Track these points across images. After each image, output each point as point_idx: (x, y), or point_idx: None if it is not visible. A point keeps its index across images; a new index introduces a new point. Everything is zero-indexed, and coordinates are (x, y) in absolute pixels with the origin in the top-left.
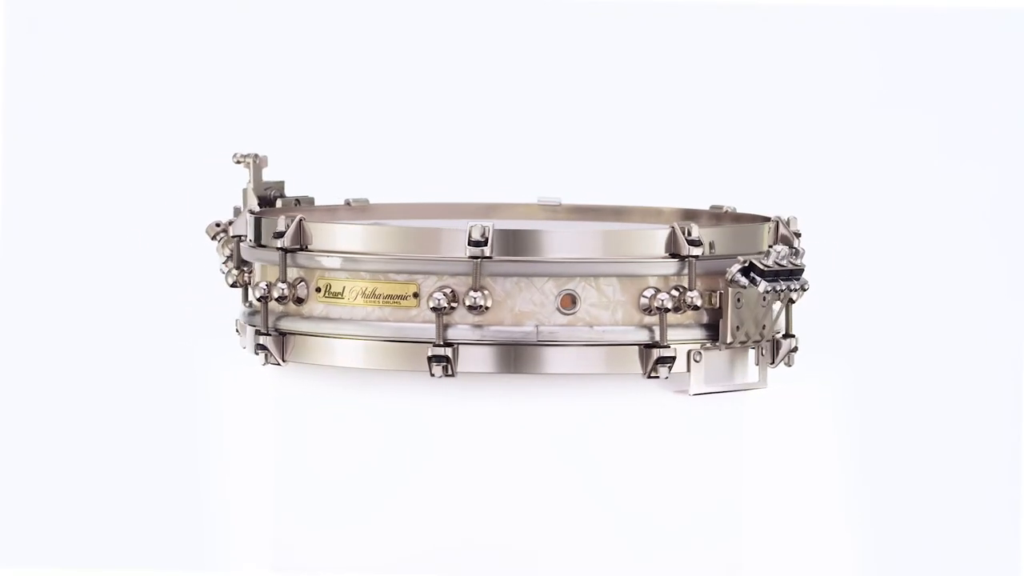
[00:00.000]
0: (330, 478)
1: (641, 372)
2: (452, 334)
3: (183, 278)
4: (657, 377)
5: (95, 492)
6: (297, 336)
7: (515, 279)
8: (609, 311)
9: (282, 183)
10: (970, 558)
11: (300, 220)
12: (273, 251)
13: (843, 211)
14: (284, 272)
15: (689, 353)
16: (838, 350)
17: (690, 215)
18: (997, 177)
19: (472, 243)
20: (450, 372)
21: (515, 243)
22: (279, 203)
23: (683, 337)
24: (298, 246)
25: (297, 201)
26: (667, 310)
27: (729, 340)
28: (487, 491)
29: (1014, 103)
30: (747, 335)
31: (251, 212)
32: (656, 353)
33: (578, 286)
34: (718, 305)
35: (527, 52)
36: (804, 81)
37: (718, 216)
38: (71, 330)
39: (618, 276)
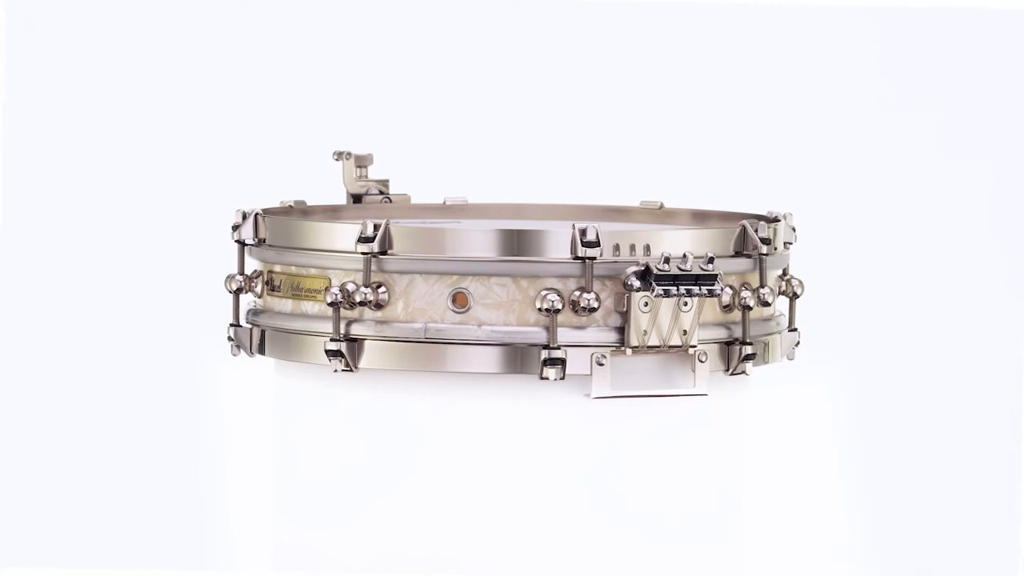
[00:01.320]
0: (330, 478)
1: (537, 373)
2: (356, 329)
3: (184, 277)
4: (547, 379)
5: (95, 492)
6: (260, 329)
7: (410, 276)
8: (502, 311)
9: (387, 181)
10: (970, 558)
11: (256, 215)
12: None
13: (843, 210)
14: (242, 264)
15: (592, 356)
16: (835, 348)
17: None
18: (996, 176)
19: (362, 239)
20: (348, 367)
21: (411, 240)
22: (364, 200)
23: (596, 340)
24: (254, 240)
25: (388, 199)
26: (557, 311)
27: (635, 344)
28: (483, 491)
29: (1014, 103)
30: (662, 340)
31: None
32: (544, 354)
33: (470, 285)
34: (625, 308)
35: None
36: (805, 81)
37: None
38: (71, 330)
39: (512, 276)
